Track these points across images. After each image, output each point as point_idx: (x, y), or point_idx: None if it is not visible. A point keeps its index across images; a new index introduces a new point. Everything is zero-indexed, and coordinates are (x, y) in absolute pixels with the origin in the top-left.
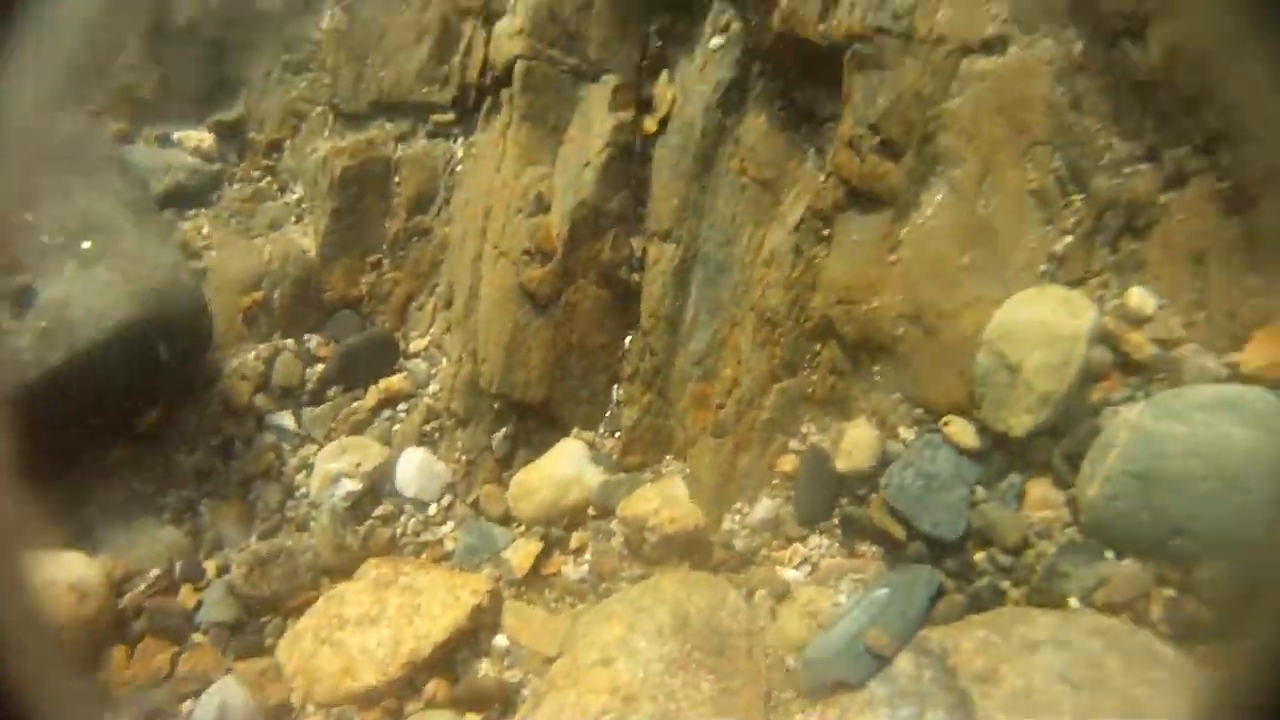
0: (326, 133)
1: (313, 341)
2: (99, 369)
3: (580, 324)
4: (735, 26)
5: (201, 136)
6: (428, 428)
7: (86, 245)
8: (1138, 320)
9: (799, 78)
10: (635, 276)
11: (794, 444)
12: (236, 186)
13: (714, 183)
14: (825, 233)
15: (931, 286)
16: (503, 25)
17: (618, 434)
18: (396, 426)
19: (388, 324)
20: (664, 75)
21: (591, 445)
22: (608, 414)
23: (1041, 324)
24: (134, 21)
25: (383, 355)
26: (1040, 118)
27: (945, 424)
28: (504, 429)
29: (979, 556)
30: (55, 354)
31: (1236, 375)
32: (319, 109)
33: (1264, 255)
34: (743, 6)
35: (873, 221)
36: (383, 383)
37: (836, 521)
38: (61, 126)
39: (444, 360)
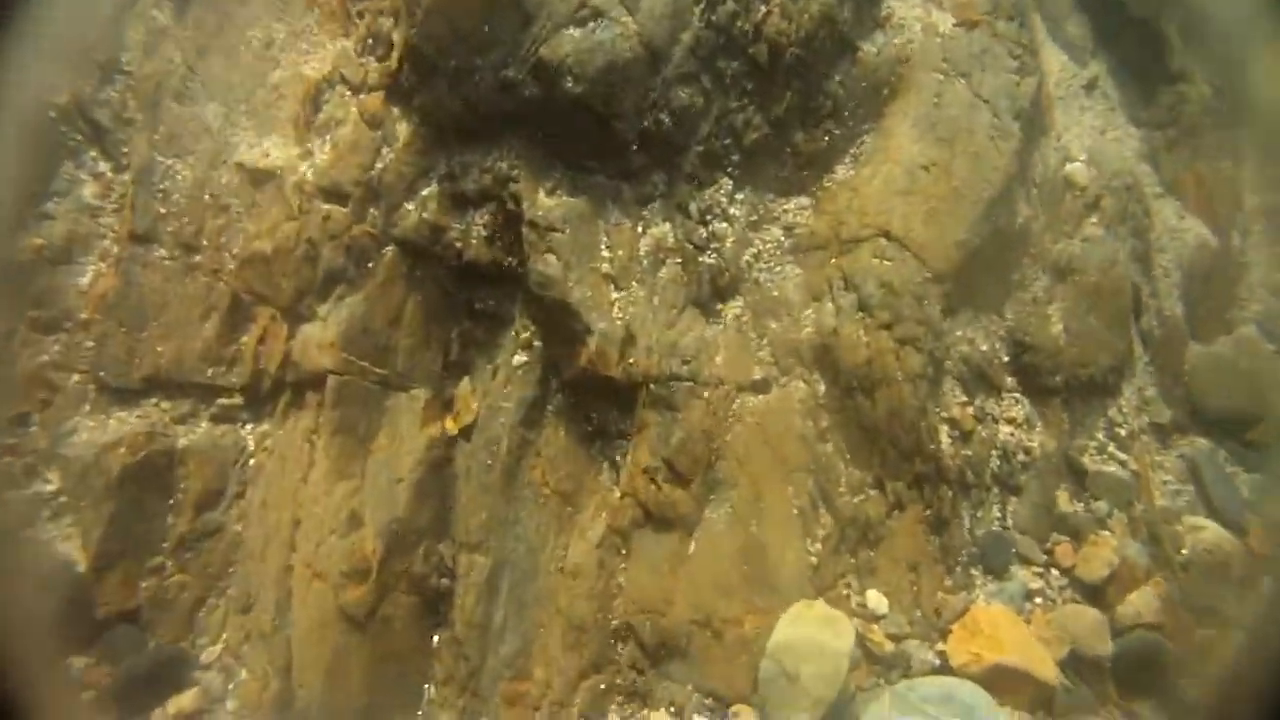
0: (88, 408)
1: (80, 664)
2: None
3: (395, 634)
4: (537, 346)
5: None
6: None
7: None
8: (876, 618)
9: (596, 400)
10: (444, 581)
11: None
12: None
13: (518, 493)
14: (624, 549)
15: (716, 596)
16: (311, 332)
17: None
18: None
19: (171, 635)
20: (465, 381)
21: None
22: (419, 713)
23: (812, 641)
24: None
25: (170, 672)
26: (796, 448)
27: (735, 714)
28: None
29: None
30: None
31: (945, 665)
32: (76, 378)
33: (953, 565)
34: (545, 328)
35: (665, 540)
36: (172, 704)
37: None
38: None
39: (242, 672)
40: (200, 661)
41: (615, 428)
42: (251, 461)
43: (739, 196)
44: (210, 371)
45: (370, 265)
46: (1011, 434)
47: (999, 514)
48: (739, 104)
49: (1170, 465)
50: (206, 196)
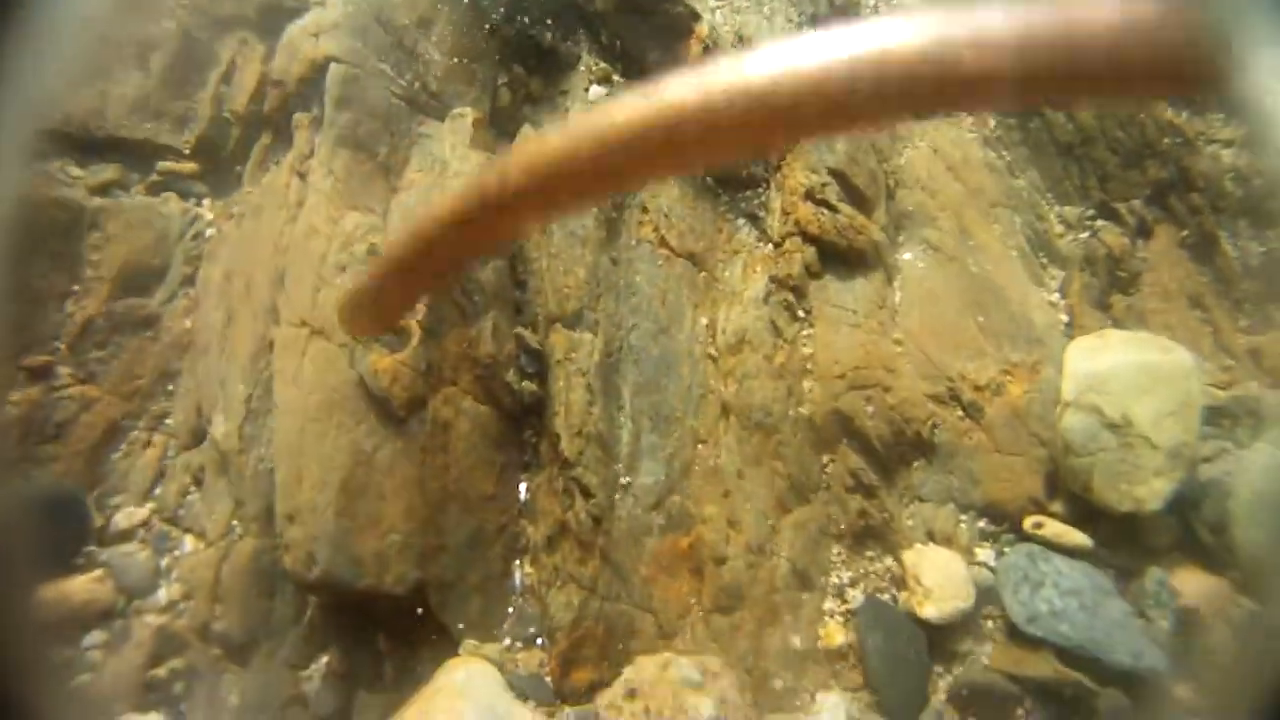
0: None
1: None
2: None
3: (457, 462)
4: (619, 81)
5: None
6: (157, 675)
7: None
8: None
9: None
10: (528, 385)
11: (831, 603)
12: None
13: (625, 253)
14: (803, 309)
15: (955, 357)
16: (305, 23)
17: (540, 641)
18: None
19: (67, 480)
20: (525, 130)
21: (501, 667)
22: (510, 610)
23: (1135, 365)
24: None
25: (57, 531)
26: (987, 178)
27: (1037, 527)
28: (327, 656)
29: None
30: None
31: None
32: None
33: (1239, 300)
34: (628, 46)
35: (860, 286)
36: (55, 592)
37: (947, 701)
38: None
39: (186, 539)
40: (113, 526)
41: (744, 171)
42: (209, 233)
43: None
44: (149, 127)
45: None
46: (1233, 154)
47: (1260, 247)
48: None
49: None
50: None
